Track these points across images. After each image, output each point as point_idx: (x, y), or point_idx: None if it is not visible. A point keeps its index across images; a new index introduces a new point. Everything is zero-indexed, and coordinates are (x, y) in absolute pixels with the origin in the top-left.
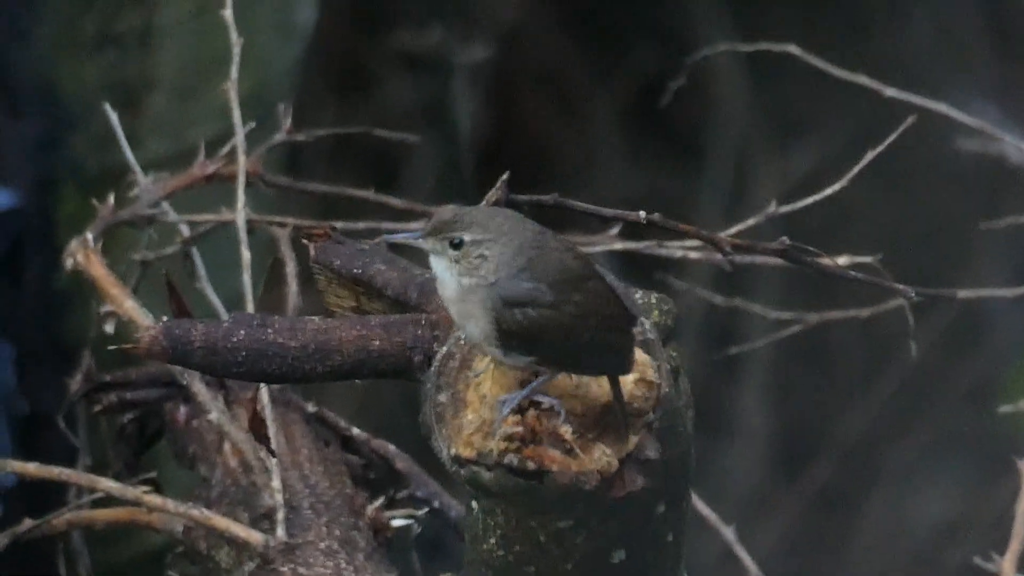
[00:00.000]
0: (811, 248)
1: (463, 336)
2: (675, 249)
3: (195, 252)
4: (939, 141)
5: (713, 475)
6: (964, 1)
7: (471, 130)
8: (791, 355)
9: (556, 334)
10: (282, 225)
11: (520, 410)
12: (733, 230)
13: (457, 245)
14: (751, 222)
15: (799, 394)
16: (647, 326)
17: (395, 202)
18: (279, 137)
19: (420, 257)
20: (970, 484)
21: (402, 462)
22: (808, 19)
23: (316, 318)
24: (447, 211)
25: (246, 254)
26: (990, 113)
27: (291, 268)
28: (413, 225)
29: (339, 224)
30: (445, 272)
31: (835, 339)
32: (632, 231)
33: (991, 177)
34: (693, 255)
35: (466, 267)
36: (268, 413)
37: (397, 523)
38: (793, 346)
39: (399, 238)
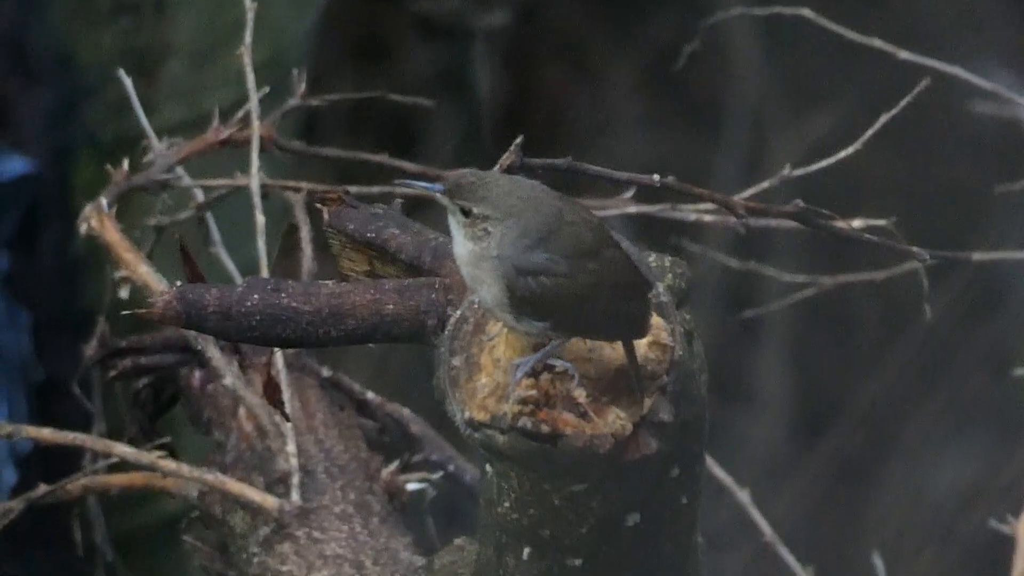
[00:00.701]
0: (825, 211)
1: (476, 300)
2: (689, 212)
3: (210, 217)
4: (955, 105)
5: (730, 439)
6: None
7: (489, 96)
8: (810, 320)
9: (570, 302)
10: (296, 190)
11: (534, 374)
12: (747, 193)
13: (466, 213)
14: (765, 185)
15: (817, 359)
16: (661, 289)
17: (409, 167)
18: (293, 102)
19: (434, 221)
20: (988, 449)
21: (417, 426)
22: None
23: (330, 282)
24: (468, 175)
25: (260, 219)
26: (1006, 77)
27: (305, 233)
28: (424, 184)
29: (353, 189)
30: (458, 232)
31: (853, 304)
32: (647, 195)
33: (1007, 140)
34: (707, 218)
35: (471, 234)
36: (283, 378)
37: (412, 487)
38: (812, 310)
39: (419, 186)
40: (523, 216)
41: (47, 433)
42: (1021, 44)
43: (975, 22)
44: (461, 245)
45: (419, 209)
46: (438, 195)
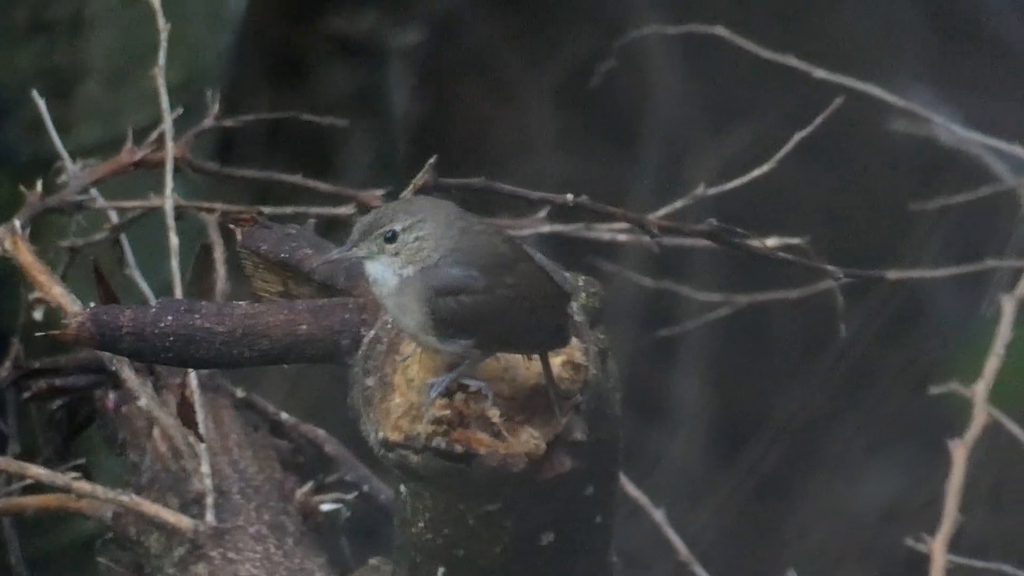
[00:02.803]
0: (738, 229)
1: (390, 322)
2: (603, 232)
3: (124, 239)
4: (871, 123)
5: (646, 458)
6: None
7: (406, 115)
8: (726, 337)
9: (492, 318)
10: (210, 211)
11: (448, 393)
12: (661, 212)
13: (391, 238)
14: (679, 204)
15: (734, 376)
16: (575, 308)
17: (323, 187)
18: (207, 123)
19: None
20: (906, 466)
21: (331, 446)
22: (745, 3)
23: (244, 303)
24: (367, 216)
25: (174, 240)
26: (922, 95)
27: (219, 253)
28: (335, 253)
29: (267, 209)
30: (384, 272)
31: (771, 321)
32: (561, 214)
33: (923, 158)
34: (621, 237)
35: (407, 256)
36: (197, 398)
37: (326, 507)
38: (729, 328)
39: (333, 256)
40: (438, 211)
41: None
42: (935, 62)
43: (891, 40)
44: (390, 278)
45: (333, 230)
46: (353, 252)
